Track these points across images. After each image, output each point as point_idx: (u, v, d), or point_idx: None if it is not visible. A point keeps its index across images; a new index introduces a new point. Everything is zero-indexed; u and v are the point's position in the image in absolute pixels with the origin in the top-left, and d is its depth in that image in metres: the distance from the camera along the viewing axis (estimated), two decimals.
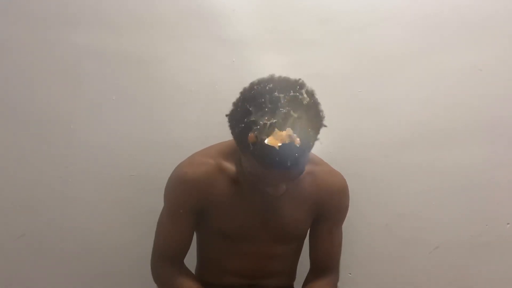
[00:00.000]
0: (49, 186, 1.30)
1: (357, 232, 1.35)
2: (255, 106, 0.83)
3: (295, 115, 0.82)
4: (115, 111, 1.31)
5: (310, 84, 0.88)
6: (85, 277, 1.33)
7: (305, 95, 0.85)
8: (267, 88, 0.84)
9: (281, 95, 0.83)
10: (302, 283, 1.17)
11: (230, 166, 1.03)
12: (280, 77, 0.88)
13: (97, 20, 1.30)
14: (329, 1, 1.33)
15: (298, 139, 0.80)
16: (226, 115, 0.90)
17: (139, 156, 1.32)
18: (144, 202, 1.30)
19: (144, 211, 1.29)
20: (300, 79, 0.88)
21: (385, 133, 1.36)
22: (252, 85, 0.88)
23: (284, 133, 0.80)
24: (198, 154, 1.07)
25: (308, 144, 0.84)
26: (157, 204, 1.07)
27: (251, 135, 0.81)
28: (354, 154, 1.34)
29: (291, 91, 0.84)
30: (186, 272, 1.06)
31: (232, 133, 0.89)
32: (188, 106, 1.32)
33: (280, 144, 0.79)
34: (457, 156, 1.36)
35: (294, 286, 1.19)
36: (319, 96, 0.89)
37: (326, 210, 1.08)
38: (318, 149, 1.08)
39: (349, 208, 1.14)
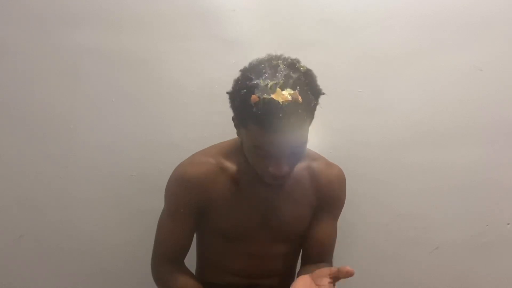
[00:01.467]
0: (49, 186, 1.31)
1: (357, 232, 1.35)
2: (255, 73, 0.86)
3: (295, 75, 0.85)
4: (115, 111, 1.31)
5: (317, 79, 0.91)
6: (85, 277, 1.33)
7: (302, 65, 0.89)
8: (266, 58, 0.89)
9: (280, 61, 0.88)
10: None
11: (230, 166, 1.03)
12: (276, 54, 0.92)
13: (97, 20, 1.30)
14: (329, 1, 1.33)
15: (300, 97, 0.83)
16: (227, 92, 0.92)
17: (139, 156, 1.32)
18: (144, 202, 1.30)
19: (144, 211, 1.29)
20: (296, 57, 0.92)
21: (385, 133, 1.36)
22: (250, 62, 0.92)
23: (286, 92, 0.83)
24: (198, 153, 1.07)
25: (310, 105, 0.86)
26: (157, 204, 1.07)
27: (253, 96, 0.83)
28: (354, 154, 1.34)
29: (289, 60, 0.89)
30: (187, 272, 1.06)
31: (233, 105, 0.90)
32: (188, 106, 1.33)
33: (283, 101, 0.82)
34: (457, 156, 1.36)
35: None
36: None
37: (324, 201, 1.08)
38: (318, 149, 1.09)
39: (349, 208, 1.14)
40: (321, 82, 0.91)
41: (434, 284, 1.39)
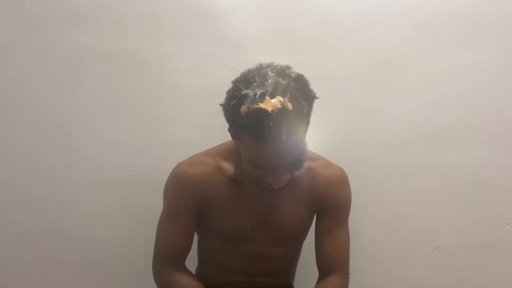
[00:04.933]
0: (49, 186, 1.30)
1: (357, 232, 1.35)
2: (244, 83, 0.86)
3: (284, 82, 0.84)
4: (115, 111, 1.31)
5: (310, 84, 0.89)
6: (85, 277, 1.32)
7: (292, 71, 0.88)
8: (255, 68, 0.89)
9: (268, 69, 0.87)
10: (302, 283, 1.16)
11: (229, 167, 1.03)
12: (267, 62, 0.91)
13: (97, 21, 1.30)
14: (329, 2, 1.33)
15: (290, 103, 0.81)
16: (220, 104, 0.91)
17: (139, 156, 1.32)
18: (144, 202, 1.30)
19: (144, 211, 1.29)
20: (287, 64, 0.90)
21: (385, 133, 1.36)
22: (242, 72, 0.91)
23: (275, 100, 0.81)
24: (197, 154, 1.06)
25: (301, 111, 0.84)
26: (157, 204, 1.07)
27: (243, 107, 0.82)
28: (354, 154, 1.34)
29: (278, 67, 0.88)
30: (188, 273, 1.05)
31: (226, 117, 0.90)
32: (188, 107, 1.32)
33: (272, 109, 0.80)
34: (457, 156, 1.36)
35: (294, 285, 1.19)
36: (320, 97, 0.89)
37: (325, 204, 1.06)
38: (317, 150, 1.09)
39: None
40: (320, 83, 0.90)
41: (434, 284, 1.39)
